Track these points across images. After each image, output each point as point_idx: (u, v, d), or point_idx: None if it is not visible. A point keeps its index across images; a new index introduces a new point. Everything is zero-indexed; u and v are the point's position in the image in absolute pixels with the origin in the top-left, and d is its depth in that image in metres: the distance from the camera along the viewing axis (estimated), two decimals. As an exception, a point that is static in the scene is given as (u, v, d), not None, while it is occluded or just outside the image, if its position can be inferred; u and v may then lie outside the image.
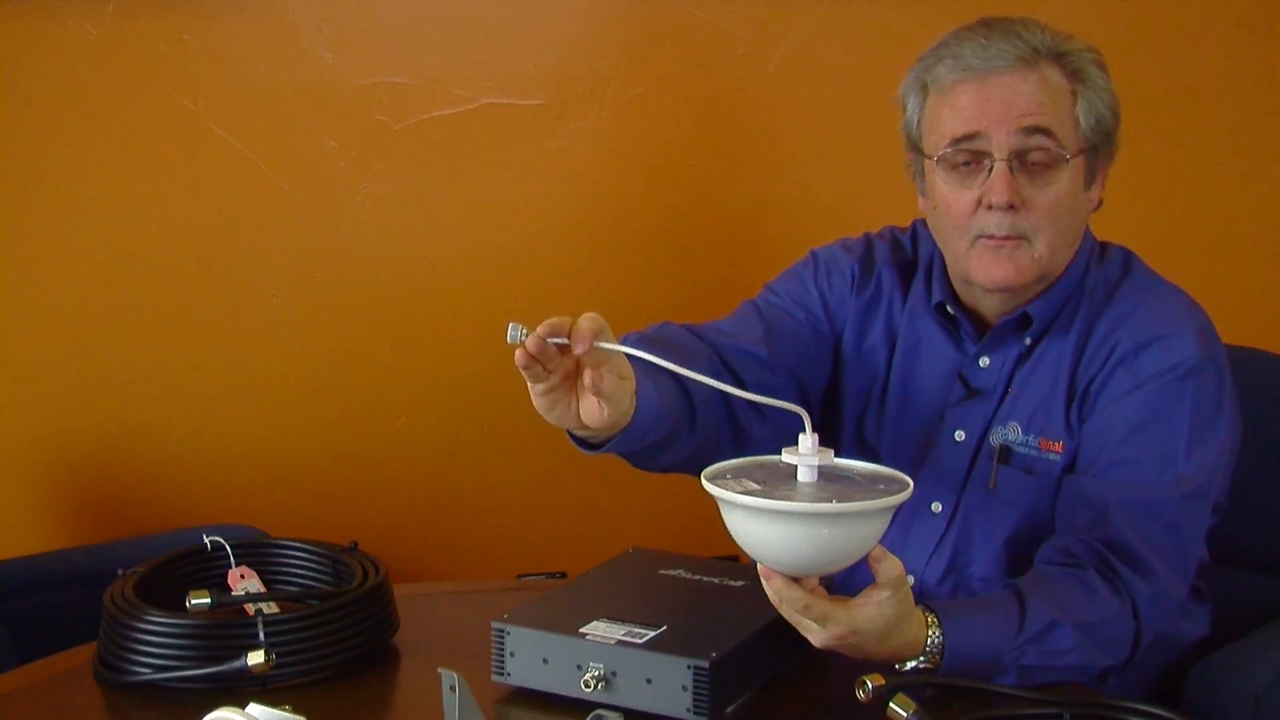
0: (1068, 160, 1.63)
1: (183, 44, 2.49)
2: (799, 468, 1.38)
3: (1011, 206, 1.62)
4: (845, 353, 1.82)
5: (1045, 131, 1.62)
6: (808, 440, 1.37)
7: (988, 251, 1.66)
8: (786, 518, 1.32)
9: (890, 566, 1.40)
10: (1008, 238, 1.64)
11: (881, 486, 1.38)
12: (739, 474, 1.41)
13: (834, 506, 1.32)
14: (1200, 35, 2.46)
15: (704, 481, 1.38)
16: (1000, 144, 1.62)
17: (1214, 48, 2.46)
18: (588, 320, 1.36)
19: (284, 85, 2.50)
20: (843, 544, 1.35)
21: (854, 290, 1.82)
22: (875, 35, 2.47)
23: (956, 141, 1.64)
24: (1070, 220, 1.67)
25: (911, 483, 1.38)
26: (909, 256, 1.82)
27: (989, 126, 1.62)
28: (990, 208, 1.63)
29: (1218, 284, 2.37)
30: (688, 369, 1.40)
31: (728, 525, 1.38)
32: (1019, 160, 1.63)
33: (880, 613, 1.41)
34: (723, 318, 1.82)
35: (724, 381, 1.47)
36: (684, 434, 1.63)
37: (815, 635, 1.42)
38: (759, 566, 1.39)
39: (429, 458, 2.62)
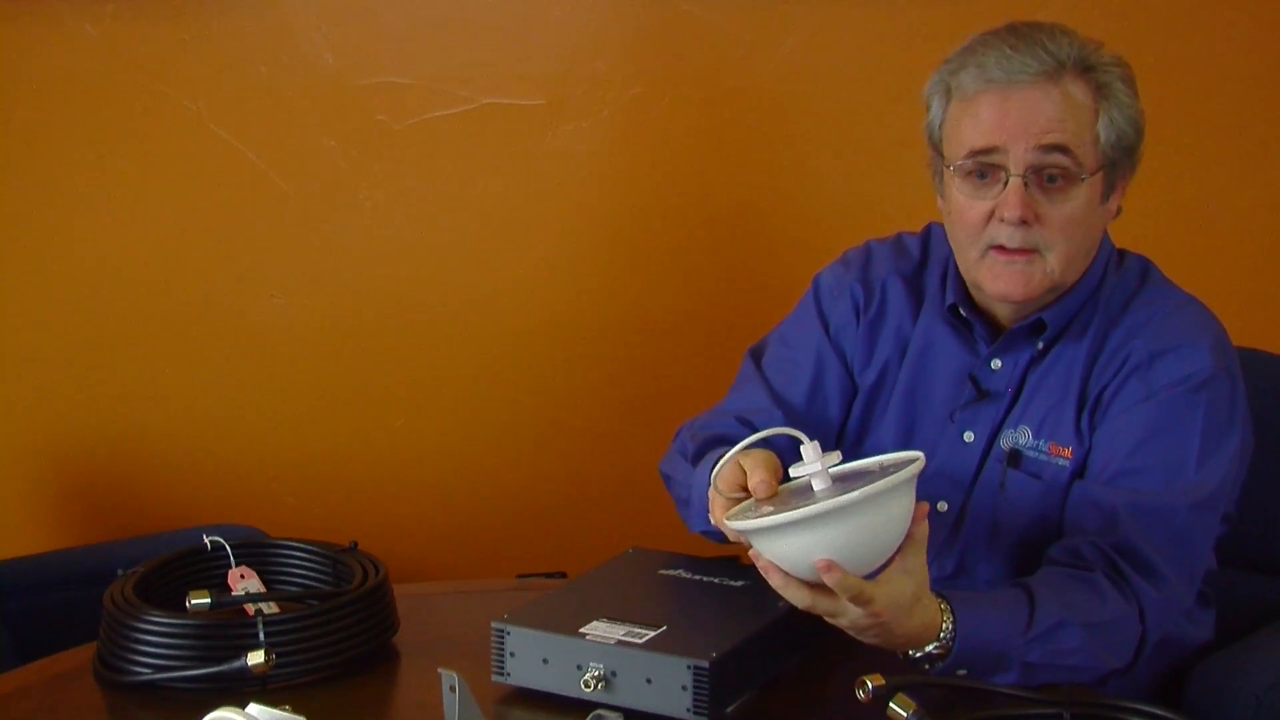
0: (1084, 178, 1.63)
1: (183, 44, 2.48)
2: (812, 480, 1.41)
3: (1024, 221, 1.62)
4: (854, 366, 1.82)
5: (1063, 149, 1.61)
6: (810, 450, 1.40)
7: (999, 264, 1.65)
8: (810, 524, 1.34)
9: (921, 527, 1.43)
10: (1020, 250, 1.64)
11: (893, 468, 1.39)
12: (756, 506, 1.44)
13: (848, 499, 1.33)
14: (1200, 34, 2.46)
15: (726, 524, 1.43)
16: (1017, 159, 1.61)
17: (1214, 47, 2.46)
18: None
19: (284, 85, 2.50)
20: (878, 528, 1.36)
21: (858, 312, 1.81)
22: (875, 35, 2.46)
23: (974, 154, 1.64)
24: (1085, 235, 1.66)
25: (922, 455, 1.40)
26: (917, 260, 1.82)
27: (1007, 141, 1.61)
28: (1003, 220, 1.63)
29: (1218, 284, 2.37)
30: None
31: (767, 557, 1.39)
32: (1035, 175, 1.62)
33: (908, 575, 1.42)
34: (730, 390, 1.85)
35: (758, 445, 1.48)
36: None
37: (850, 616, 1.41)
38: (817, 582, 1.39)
39: (429, 457, 2.62)
